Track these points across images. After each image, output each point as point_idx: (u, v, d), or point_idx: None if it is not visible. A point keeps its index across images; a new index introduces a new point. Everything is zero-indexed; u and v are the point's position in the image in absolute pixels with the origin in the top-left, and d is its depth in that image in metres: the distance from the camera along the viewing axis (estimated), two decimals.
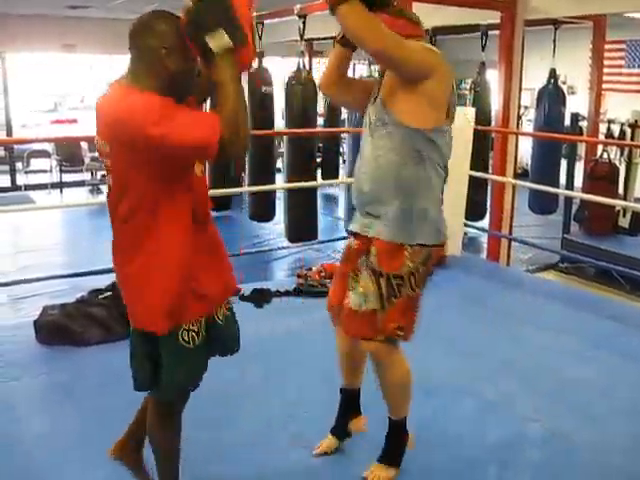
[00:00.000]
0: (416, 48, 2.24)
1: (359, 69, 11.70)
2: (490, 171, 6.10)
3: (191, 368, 2.15)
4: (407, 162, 2.29)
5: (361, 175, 2.40)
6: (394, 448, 2.57)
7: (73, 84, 13.74)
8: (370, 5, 2.16)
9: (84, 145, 10.95)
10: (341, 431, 2.73)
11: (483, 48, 7.44)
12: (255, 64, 6.82)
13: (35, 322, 3.88)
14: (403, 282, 2.32)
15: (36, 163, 11.17)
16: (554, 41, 7.25)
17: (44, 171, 10.98)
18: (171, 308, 2.02)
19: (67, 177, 10.78)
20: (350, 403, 2.72)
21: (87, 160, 10.77)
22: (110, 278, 4.33)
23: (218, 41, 1.79)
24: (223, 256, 2.23)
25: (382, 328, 2.33)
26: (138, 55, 1.94)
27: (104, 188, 10.56)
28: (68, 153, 10.69)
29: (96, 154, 9.64)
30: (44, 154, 10.94)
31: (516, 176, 7.40)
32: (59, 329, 3.79)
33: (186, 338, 2.07)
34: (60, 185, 10.65)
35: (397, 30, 2.20)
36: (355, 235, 2.48)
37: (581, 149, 8.59)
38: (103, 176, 10.63)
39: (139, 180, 1.93)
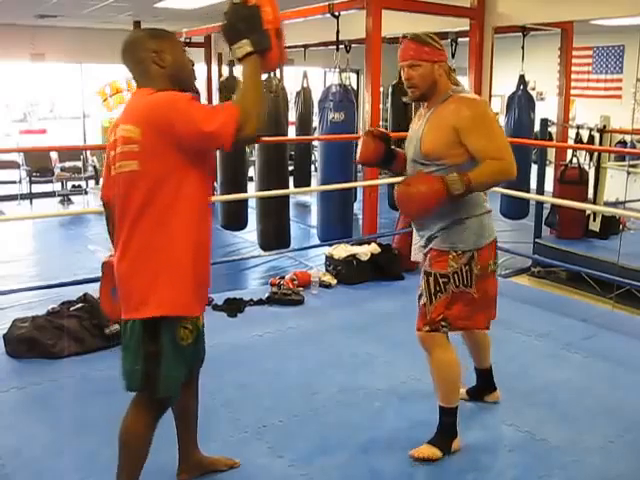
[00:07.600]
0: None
1: (330, 78, 11.67)
2: None
3: (185, 364, 2.22)
4: None
5: None
6: (439, 432, 2.79)
7: (42, 94, 13.58)
8: None
9: (54, 155, 10.83)
10: (476, 398, 3.21)
11: (453, 55, 7.50)
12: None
13: (4, 336, 3.83)
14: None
15: (5, 174, 11.01)
16: (523, 48, 7.33)
17: (13, 182, 10.81)
18: (178, 299, 2.13)
19: (37, 188, 10.65)
20: (481, 379, 3.20)
21: (57, 171, 10.64)
22: (82, 289, 4.30)
23: (239, 50, 2.03)
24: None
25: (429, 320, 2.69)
26: (136, 67, 2.16)
27: (74, 199, 10.47)
28: (38, 164, 10.55)
29: (66, 164, 9.47)
30: (13, 165, 10.78)
31: None
32: (29, 342, 3.74)
33: (182, 335, 2.14)
34: (30, 196, 10.52)
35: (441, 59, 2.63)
36: None
37: (551, 154, 8.66)
38: (73, 186, 10.53)
39: (164, 165, 2.05)
